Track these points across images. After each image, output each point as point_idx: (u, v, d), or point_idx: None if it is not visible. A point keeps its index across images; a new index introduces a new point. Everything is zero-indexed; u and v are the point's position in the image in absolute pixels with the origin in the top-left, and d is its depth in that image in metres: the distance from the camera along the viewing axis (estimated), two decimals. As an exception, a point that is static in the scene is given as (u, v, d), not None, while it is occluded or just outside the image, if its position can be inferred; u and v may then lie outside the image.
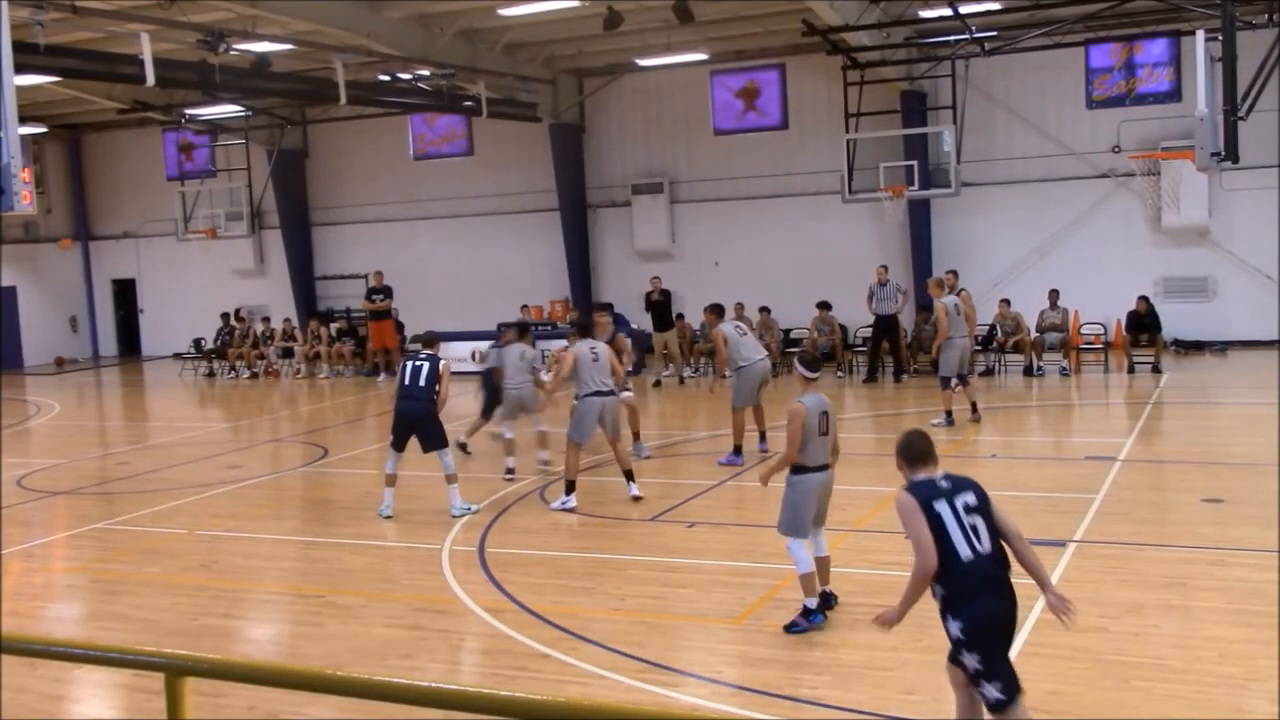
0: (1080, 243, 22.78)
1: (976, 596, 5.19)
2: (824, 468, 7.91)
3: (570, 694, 6.68)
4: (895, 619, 5.53)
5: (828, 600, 7.99)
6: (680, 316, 22.93)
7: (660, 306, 22.22)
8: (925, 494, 5.33)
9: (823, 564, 8.02)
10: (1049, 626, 7.59)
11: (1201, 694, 6.44)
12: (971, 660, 5.21)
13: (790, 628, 7.72)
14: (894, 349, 21.03)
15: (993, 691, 5.18)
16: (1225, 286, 22.09)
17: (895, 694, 6.62)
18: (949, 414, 15.42)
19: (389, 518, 11.66)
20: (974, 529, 5.26)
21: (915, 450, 5.54)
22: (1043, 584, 5.45)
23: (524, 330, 14.87)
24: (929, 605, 6.87)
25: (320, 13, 18.66)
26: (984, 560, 5.22)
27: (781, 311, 22.79)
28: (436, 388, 11.83)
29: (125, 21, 17.42)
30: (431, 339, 12.57)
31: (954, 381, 15.53)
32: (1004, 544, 5.36)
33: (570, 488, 11.71)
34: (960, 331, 15.64)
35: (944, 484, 5.40)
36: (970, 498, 5.33)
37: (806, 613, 7.76)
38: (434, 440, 11.89)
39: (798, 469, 7.85)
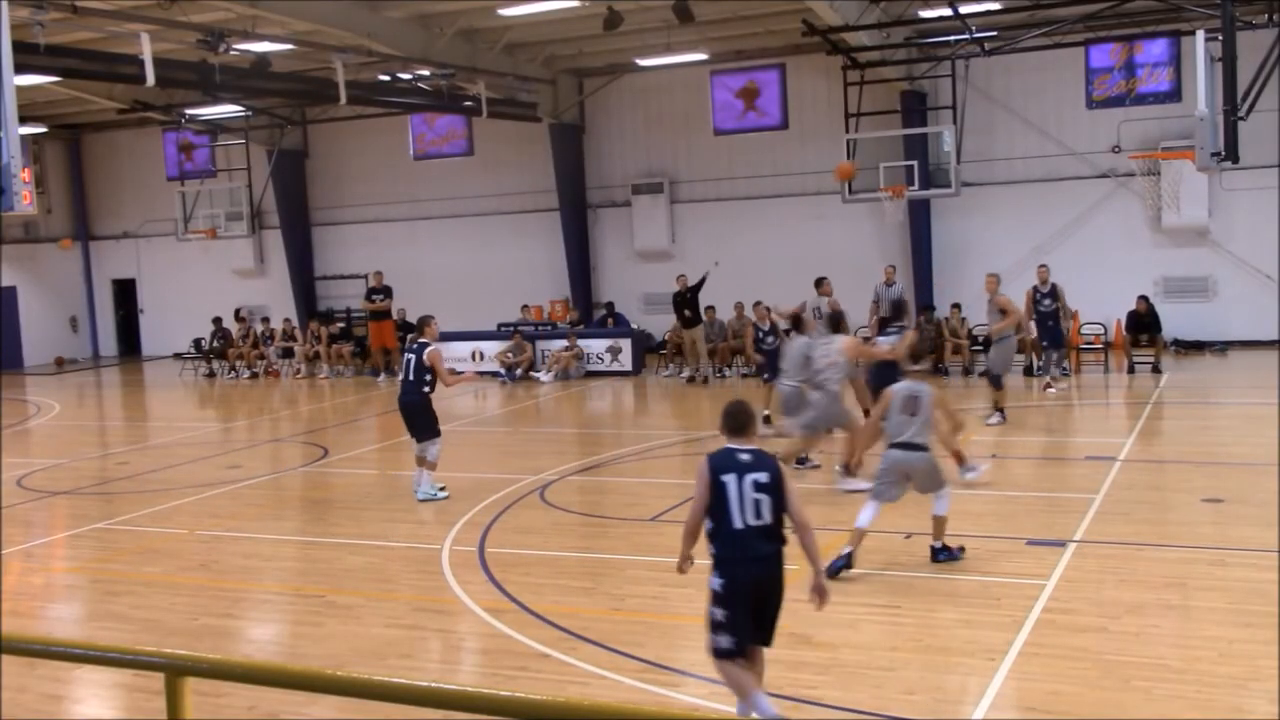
0: (1080, 243, 22.78)
1: (739, 563, 5.73)
2: (904, 446, 8.96)
3: (570, 694, 6.68)
4: (680, 560, 6.16)
5: (847, 561, 8.79)
6: (711, 308, 22.50)
7: (688, 303, 21.69)
8: (719, 463, 5.80)
9: (936, 521, 9.00)
10: (1049, 627, 7.59)
11: (1201, 694, 6.43)
12: (717, 613, 5.77)
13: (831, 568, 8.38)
14: None
15: (723, 642, 5.76)
16: (1225, 286, 22.09)
17: (895, 694, 6.61)
18: (1002, 411, 15.51)
19: (424, 501, 12.14)
20: (756, 504, 5.73)
21: (730, 422, 5.98)
22: (816, 570, 6.04)
23: (837, 320, 13.17)
24: (929, 606, 6.91)
25: (320, 13, 18.67)
26: (754, 532, 5.72)
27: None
28: (427, 376, 11.96)
29: (125, 21, 17.42)
30: (421, 322, 12.67)
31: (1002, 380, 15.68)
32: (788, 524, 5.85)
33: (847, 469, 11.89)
34: (1011, 331, 16.09)
35: (744, 457, 5.82)
36: (763, 476, 5.75)
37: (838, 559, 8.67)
38: (421, 430, 12.15)
39: (889, 444, 9.11)
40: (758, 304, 18.59)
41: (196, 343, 27.65)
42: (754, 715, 5.77)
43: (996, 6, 19.79)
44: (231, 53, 18.04)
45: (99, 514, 12.63)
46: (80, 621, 9.09)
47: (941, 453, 9.80)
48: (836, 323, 13.13)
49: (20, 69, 10.75)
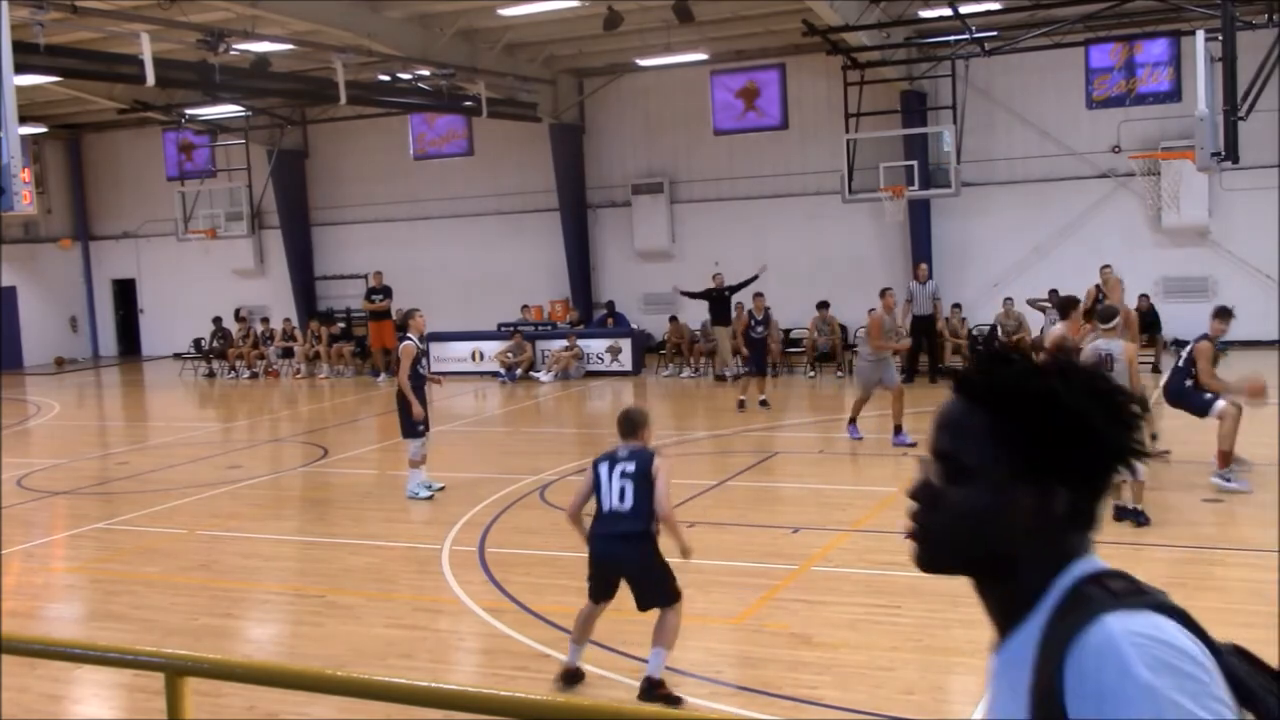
0: (1080, 243, 22.76)
1: (600, 539, 6.73)
2: None
3: (570, 694, 6.68)
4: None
5: None
6: (741, 305, 22.24)
7: (722, 302, 21.33)
8: (602, 458, 6.82)
9: (1135, 487, 9.46)
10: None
11: (1201, 694, 6.43)
12: (588, 578, 6.88)
13: None
14: (931, 350, 20.78)
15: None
16: (1225, 286, 22.06)
17: (895, 694, 6.61)
18: None
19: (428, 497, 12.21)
20: (621, 491, 6.66)
21: (621, 425, 6.98)
22: (682, 550, 6.82)
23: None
24: (929, 606, 6.90)
25: (320, 13, 18.66)
26: (616, 515, 6.65)
27: (781, 311, 22.74)
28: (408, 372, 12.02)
29: (125, 21, 17.42)
30: (404, 316, 12.76)
31: None
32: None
33: None
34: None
35: (622, 452, 6.79)
36: (630, 466, 6.68)
37: None
38: (400, 426, 12.17)
39: None
40: (758, 295, 18.54)
41: (196, 343, 27.65)
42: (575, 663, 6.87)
43: (996, 6, 19.79)
44: (231, 53, 18.03)
45: (99, 514, 12.63)
46: (80, 621, 9.10)
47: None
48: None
49: (20, 69, 10.76)
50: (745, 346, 17.77)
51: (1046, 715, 1.48)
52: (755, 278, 20.67)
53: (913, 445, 13.83)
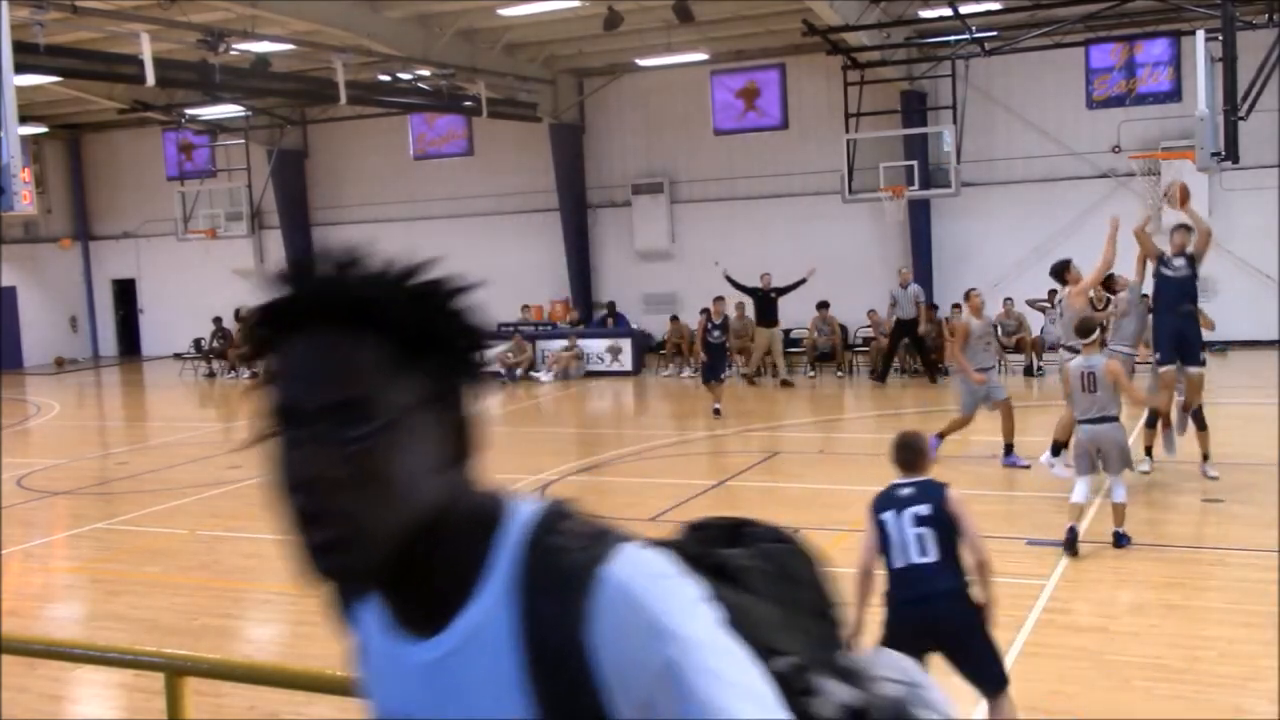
0: (1081, 243, 22.69)
1: (905, 604, 5.36)
2: (1089, 420, 9.30)
3: None
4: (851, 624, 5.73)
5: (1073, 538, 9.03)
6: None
7: (768, 302, 21.17)
8: (880, 503, 5.57)
9: (1115, 509, 9.22)
10: (1049, 627, 7.59)
11: (1201, 694, 6.43)
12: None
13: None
14: (921, 353, 20.70)
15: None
16: (1225, 286, 22.05)
17: (895, 694, 6.60)
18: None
19: None
20: (919, 540, 5.38)
21: (899, 454, 5.77)
22: (986, 603, 5.43)
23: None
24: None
25: (320, 13, 18.66)
26: (918, 572, 5.34)
27: (781, 311, 22.76)
28: None
29: (125, 21, 17.42)
30: None
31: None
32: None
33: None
34: None
35: (905, 492, 5.54)
36: (923, 509, 5.42)
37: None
38: None
39: (1077, 421, 9.50)
40: (718, 299, 18.09)
41: (196, 343, 27.64)
42: None
43: (996, 6, 19.78)
44: (231, 53, 18.04)
45: (99, 514, 12.63)
46: (80, 621, 9.09)
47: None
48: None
49: (20, 69, 10.76)
50: (703, 351, 17.21)
51: (566, 690, 1.23)
52: (804, 281, 20.54)
53: (1026, 467, 12.25)
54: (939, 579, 5.37)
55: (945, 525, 5.43)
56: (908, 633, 5.25)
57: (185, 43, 17.57)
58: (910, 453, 5.73)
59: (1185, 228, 11.72)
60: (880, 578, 5.51)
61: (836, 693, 1.39)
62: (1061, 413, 11.14)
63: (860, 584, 5.47)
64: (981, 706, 6.31)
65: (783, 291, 20.91)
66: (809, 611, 1.46)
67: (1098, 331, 9.82)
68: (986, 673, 5.37)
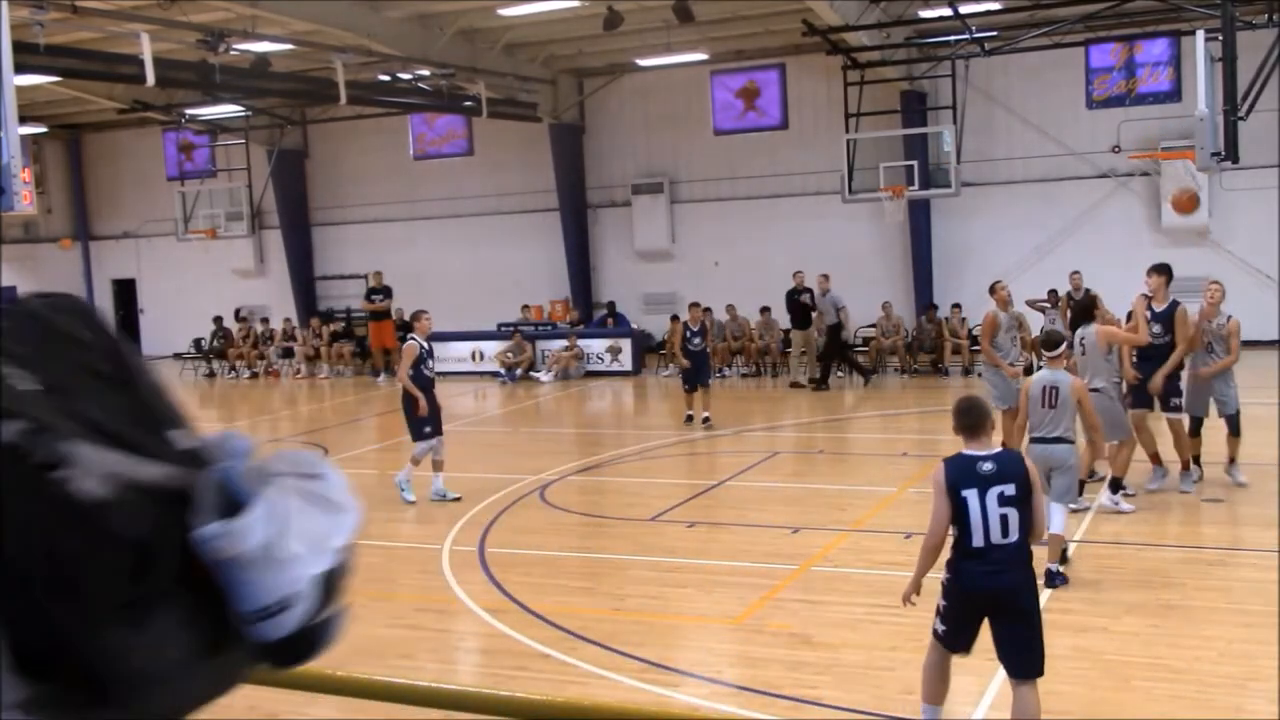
0: (1080, 243, 22.77)
1: (978, 574, 5.35)
2: (1043, 440, 8.47)
3: (570, 694, 6.68)
4: (909, 590, 5.79)
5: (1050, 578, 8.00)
6: (708, 309, 21.80)
7: (803, 304, 20.89)
8: (957, 477, 5.35)
9: (1052, 540, 7.90)
10: (1049, 627, 7.54)
11: (1201, 694, 6.44)
12: (938, 624, 5.64)
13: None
14: (848, 358, 20.81)
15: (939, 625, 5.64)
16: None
17: (895, 694, 6.61)
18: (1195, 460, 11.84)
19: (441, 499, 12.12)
20: (1003, 520, 5.26)
21: (963, 420, 5.53)
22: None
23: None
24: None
25: (320, 13, 18.67)
26: (998, 552, 5.29)
27: (781, 312, 22.78)
28: (410, 373, 11.92)
29: (125, 21, 17.42)
30: (412, 317, 12.75)
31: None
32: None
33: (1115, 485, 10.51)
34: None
35: (986, 468, 5.33)
36: (1010, 489, 5.27)
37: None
38: (409, 429, 12.13)
39: (1029, 439, 8.61)
40: (694, 305, 17.54)
41: (197, 343, 27.66)
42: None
43: (996, 6, 19.79)
44: (231, 53, 18.04)
45: (99, 514, 12.62)
46: (80, 621, 9.08)
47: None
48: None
49: (20, 69, 10.76)
50: (684, 358, 16.79)
51: None
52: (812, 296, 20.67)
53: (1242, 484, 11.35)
54: (1018, 557, 5.31)
55: (1027, 502, 5.30)
56: (976, 605, 5.31)
57: (185, 43, 17.57)
58: (975, 416, 5.50)
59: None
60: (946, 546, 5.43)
61: (101, 463, 1.11)
62: (1111, 448, 10.43)
63: (929, 558, 5.49)
64: (983, 706, 6.32)
65: (809, 293, 20.77)
66: (90, 374, 1.19)
67: (1064, 345, 9.14)
68: (1032, 654, 5.35)
